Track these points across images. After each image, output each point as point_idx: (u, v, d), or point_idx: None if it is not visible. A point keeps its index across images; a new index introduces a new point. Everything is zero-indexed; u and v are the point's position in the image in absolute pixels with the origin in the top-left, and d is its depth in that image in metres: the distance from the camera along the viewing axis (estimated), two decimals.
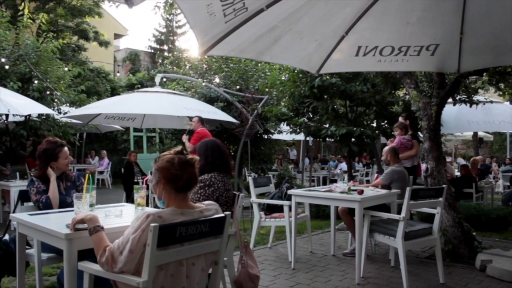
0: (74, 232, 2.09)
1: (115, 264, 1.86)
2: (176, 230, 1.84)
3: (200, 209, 2.02)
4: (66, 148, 3.23)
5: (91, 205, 2.74)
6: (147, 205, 3.14)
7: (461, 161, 14.88)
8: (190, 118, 6.97)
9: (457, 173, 9.42)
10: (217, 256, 2.09)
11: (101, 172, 12.97)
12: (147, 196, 2.12)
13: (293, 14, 3.09)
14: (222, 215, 2.06)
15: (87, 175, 2.65)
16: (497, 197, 9.58)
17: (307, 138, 10.26)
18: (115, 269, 1.87)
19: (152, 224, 1.76)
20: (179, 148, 2.07)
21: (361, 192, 3.84)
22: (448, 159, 17.21)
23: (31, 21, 9.11)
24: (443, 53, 3.80)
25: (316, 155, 17.32)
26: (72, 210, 2.60)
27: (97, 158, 13.65)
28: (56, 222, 2.34)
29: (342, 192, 3.93)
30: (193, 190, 2.88)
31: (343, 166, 12.50)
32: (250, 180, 4.68)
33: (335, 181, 11.71)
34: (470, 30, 3.54)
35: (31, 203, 3.12)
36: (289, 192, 4.28)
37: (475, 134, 13.84)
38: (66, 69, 9.26)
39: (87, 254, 2.13)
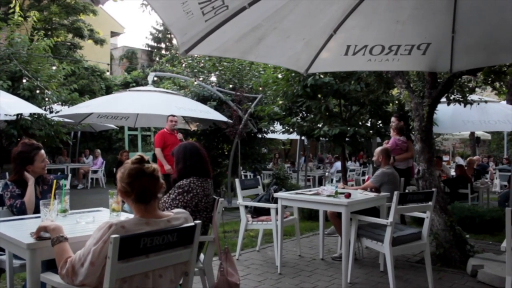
0: (37, 241, 1.99)
1: (76, 276, 1.76)
2: (140, 241, 1.74)
3: (167, 218, 1.91)
4: (42, 151, 3.12)
5: (64, 211, 2.64)
6: None
7: (460, 160, 14.74)
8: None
9: (453, 173, 9.32)
10: (188, 267, 1.99)
11: (95, 171, 12.87)
12: None
13: (277, 12, 2.98)
14: (192, 224, 1.95)
15: (55, 180, 2.54)
16: (494, 197, 9.49)
17: (302, 138, 10.16)
18: (76, 282, 1.77)
19: (113, 236, 1.66)
20: (138, 155, 1.93)
21: (348, 195, 3.72)
22: (446, 158, 17.10)
23: (22, 18, 8.97)
24: (434, 52, 3.70)
25: (309, 154, 17.16)
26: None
27: (91, 157, 13.54)
28: (22, 229, 2.23)
29: (329, 196, 3.81)
30: (171, 197, 2.78)
31: (338, 165, 12.40)
32: (236, 182, 4.55)
33: (331, 180, 11.62)
34: (462, 29, 3.44)
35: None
36: (276, 195, 4.16)
37: (472, 133, 13.72)
38: (54, 68, 9.12)
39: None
